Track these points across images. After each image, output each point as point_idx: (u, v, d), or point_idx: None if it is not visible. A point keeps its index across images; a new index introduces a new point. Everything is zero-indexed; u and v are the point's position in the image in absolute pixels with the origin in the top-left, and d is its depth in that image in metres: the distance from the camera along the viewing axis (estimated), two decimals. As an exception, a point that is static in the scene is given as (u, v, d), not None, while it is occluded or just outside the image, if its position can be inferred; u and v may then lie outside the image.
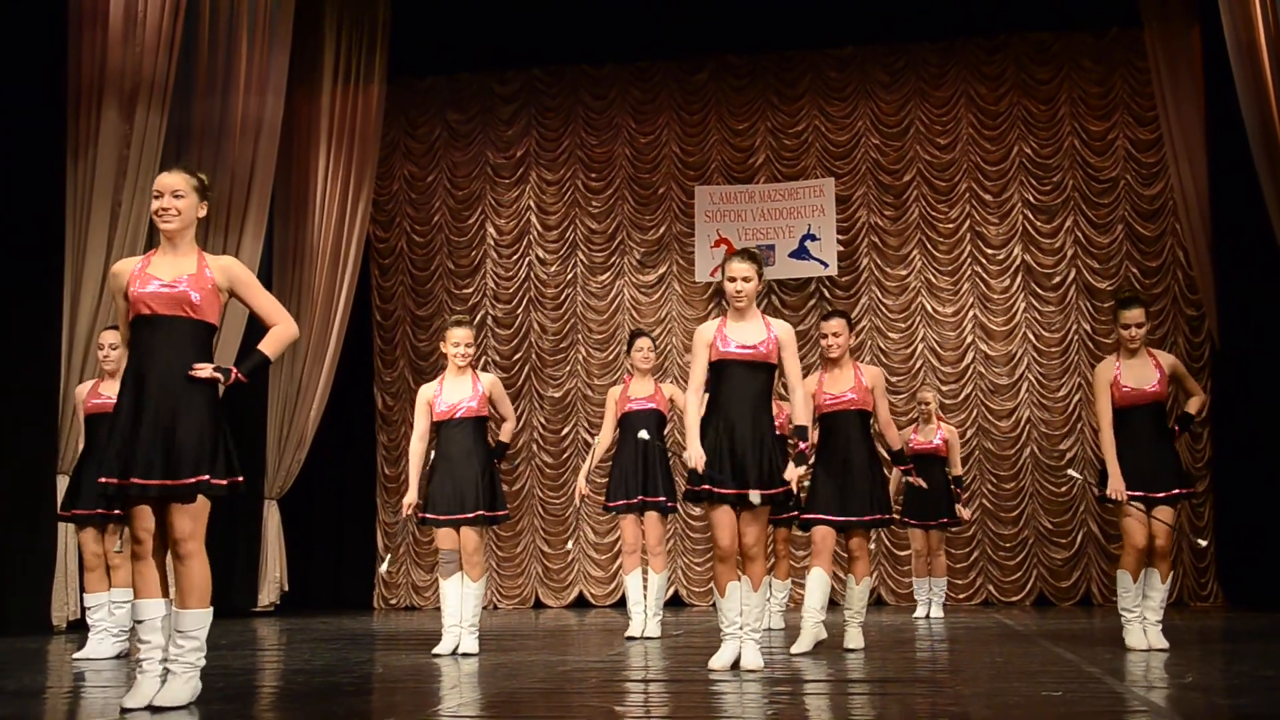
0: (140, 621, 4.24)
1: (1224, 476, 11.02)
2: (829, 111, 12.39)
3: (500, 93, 12.96)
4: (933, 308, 12.04)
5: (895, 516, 7.09)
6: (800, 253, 12.02)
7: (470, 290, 12.80)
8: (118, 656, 6.34)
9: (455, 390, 6.50)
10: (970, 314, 11.98)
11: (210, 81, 10.22)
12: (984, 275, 12.00)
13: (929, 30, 12.16)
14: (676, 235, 12.50)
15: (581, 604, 12.16)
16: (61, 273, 8.77)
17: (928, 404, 9.82)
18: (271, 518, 11.44)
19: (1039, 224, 11.95)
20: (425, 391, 6.59)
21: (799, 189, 12.17)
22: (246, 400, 11.24)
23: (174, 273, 4.32)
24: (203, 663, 4.32)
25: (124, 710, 4.10)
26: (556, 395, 12.53)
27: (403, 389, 12.66)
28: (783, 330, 5.40)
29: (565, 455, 12.41)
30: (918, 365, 11.98)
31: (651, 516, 7.52)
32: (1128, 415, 6.24)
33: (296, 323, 4.21)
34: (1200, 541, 8.24)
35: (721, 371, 5.34)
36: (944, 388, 11.89)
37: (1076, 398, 11.68)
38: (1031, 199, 11.98)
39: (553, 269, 12.72)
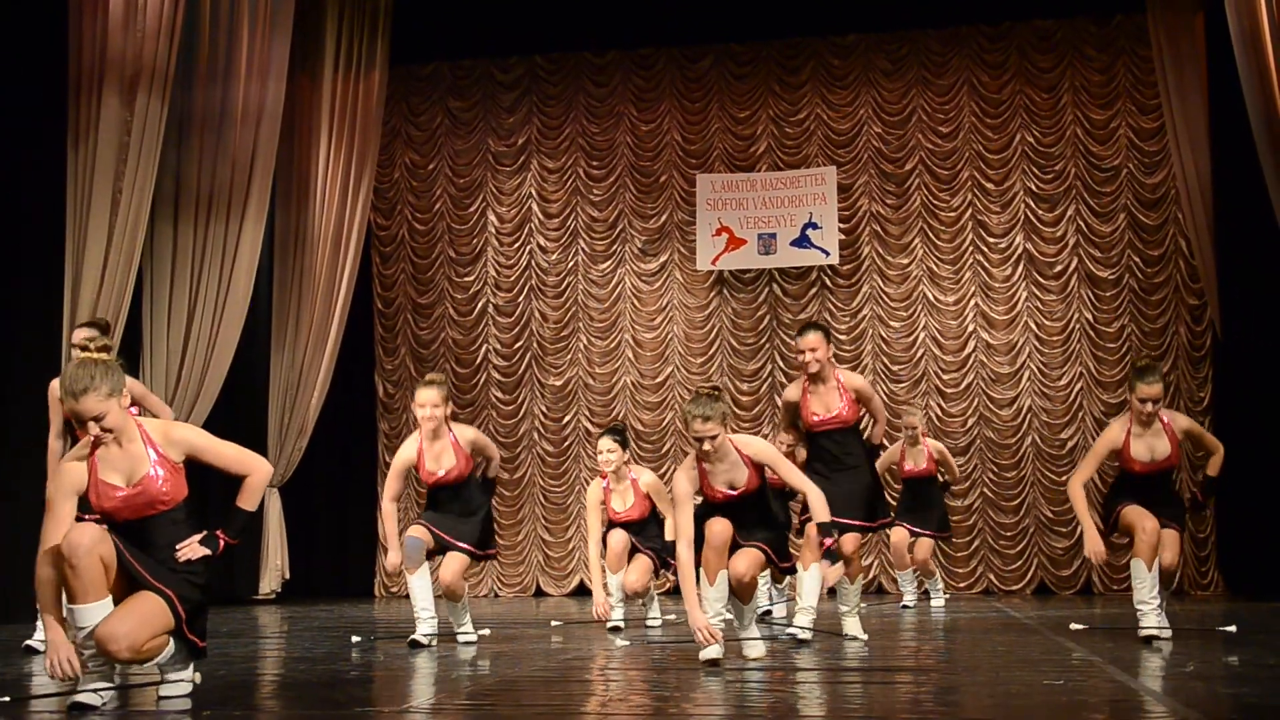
0: (82, 628, 3.89)
1: (1226, 465, 10.99)
2: (831, 99, 12.36)
3: (502, 80, 12.93)
4: (934, 296, 12.02)
5: (891, 519, 7.01)
6: (802, 241, 12.00)
7: (471, 279, 12.78)
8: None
9: (436, 457, 6.26)
10: (972, 302, 11.96)
11: (211, 68, 10.20)
12: (986, 264, 11.99)
13: (931, 17, 12.12)
14: (678, 223, 12.48)
15: (583, 592, 12.17)
16: (62, 261, 8.75)
17: (914, 429, 9.55)
18: (273, 506, 11.43)
19: (1041, 212, 11.93)
20: (404, 454, 6.31)
21: (801, 177, 12.15)
22: (248, 389, 11.27)
23: (129, 471, 4.07)
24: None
25: (73, 706, 3.90)
26: (558, 384, 12.52)
27: (404, 377, 12.65)
28: (764, 455, 5.31)
29: (566, 444, 12.41)
30: (919, 354, 11.97)
31: (642, 560, 7.36)
32: (1137, 480, 6.13)
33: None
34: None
35: (712, 506, 5.36)
36: (945, 376, 11.89)
37: (1078, 386, 11.67)
38: (1033, 187, 11.96)
39: (554, 257, 12.70)
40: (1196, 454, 6.37)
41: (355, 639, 6.77)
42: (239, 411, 10.95)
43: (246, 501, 4.25)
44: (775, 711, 3.87)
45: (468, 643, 6.34)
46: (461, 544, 6.26)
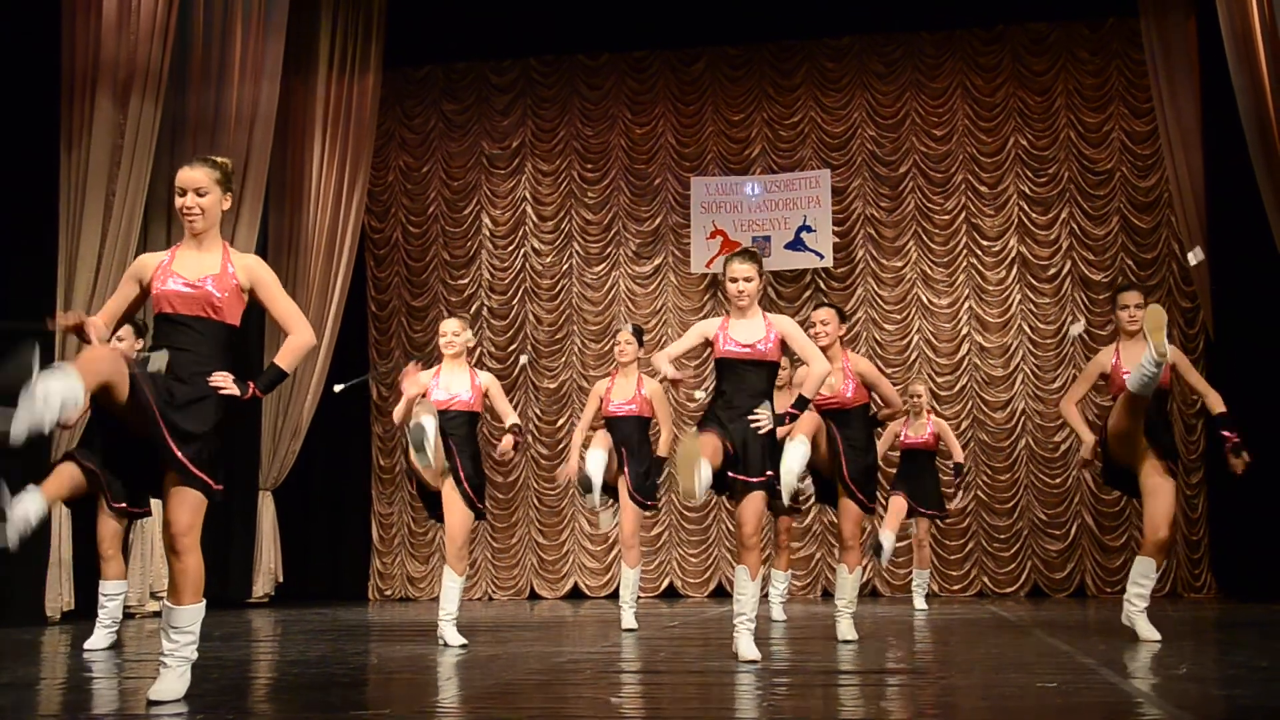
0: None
1: (1218, 468, 11.02)
2: (825, 102, 12.38)
3: (496, 83, 12.93)
4: (928, 299, 12.04)
5: (880, 503, 7.11)
6: (796, 244, 12.01)
7: (465, 281, 12.78)
8: (109, 648, 6.30)
9: (451, 382, 6.50)
10: (965, 305, 11.98)
11: (205, 70, 10.18)
12: (979, 267, 12.01)
13: (926, 20, 12.15)
14: (672, 226, 12.48)
15: (576, 595, 12.17)
16: (55, 263, 8.73)
17: (919, 397, 9.58)
18: (266, 509, 11.42)
19: (1034, 216, 11.95)
20: (421, 378, 6.63)
21: (795, 180, 12.16)
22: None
23: (198, 271, 4.25)
24: (195, 656, 4.30)
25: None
26: (552, 386, 12.52)
27: (398, 380, 12.62)
28: (784, 324, 5.45)
29: (560, 447, 12.40)
30: (913, 357, 11.99)
31: (628, 508, 7.42)
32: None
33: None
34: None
35: (724, 369, 5.42)
36: (939, 379, 11.90)
37: (1071, 389, 11.68)
38: (1027, 191, 11.99)
39: (548, 260, 12.70)
40: (1188, 408, 6.49)
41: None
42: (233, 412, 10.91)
43: (284, 360, 4.40)
44: (770, 714, 3.86)
45: (449, 645, 6.34)
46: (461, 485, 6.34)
